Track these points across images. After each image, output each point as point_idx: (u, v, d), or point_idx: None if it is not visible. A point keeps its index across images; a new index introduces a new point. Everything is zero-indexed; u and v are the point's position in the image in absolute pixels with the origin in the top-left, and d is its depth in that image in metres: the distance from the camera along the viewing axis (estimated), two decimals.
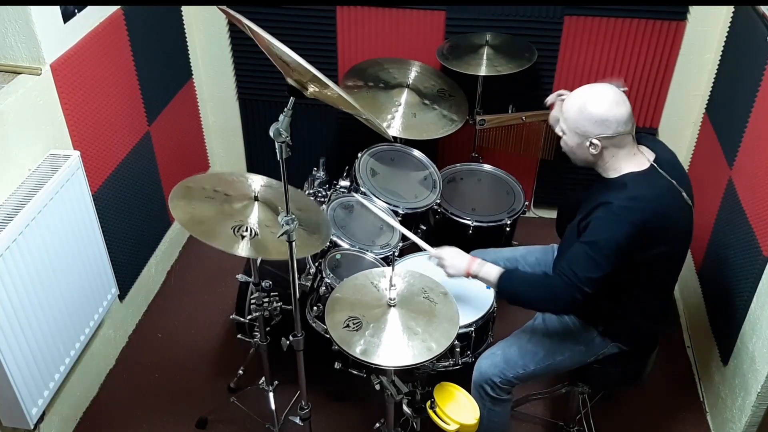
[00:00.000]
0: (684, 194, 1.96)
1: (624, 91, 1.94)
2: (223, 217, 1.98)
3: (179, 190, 2.02)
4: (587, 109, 1.89)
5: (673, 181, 1.94)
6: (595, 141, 1.90)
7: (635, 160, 1.94)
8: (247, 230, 1.96)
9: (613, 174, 1.96)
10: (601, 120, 1.88)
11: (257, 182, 2.11)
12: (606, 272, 1.86)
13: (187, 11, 3.16)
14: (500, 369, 2.12)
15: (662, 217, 1.88)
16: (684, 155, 3.22)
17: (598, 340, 2.12)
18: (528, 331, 2.20)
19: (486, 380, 2.13)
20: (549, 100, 2.28)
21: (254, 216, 2.00)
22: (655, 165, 1.94)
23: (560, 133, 2.02)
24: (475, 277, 2.06)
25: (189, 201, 2.00)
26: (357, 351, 1.79)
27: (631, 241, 1.84)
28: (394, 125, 2.80)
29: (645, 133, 3.26)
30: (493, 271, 2.02)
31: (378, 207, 2.44)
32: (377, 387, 1.98)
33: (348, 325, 1.86)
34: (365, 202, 2.47)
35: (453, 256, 2.11)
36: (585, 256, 1.86)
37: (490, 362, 2.14)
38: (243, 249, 1.92)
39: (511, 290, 2.00)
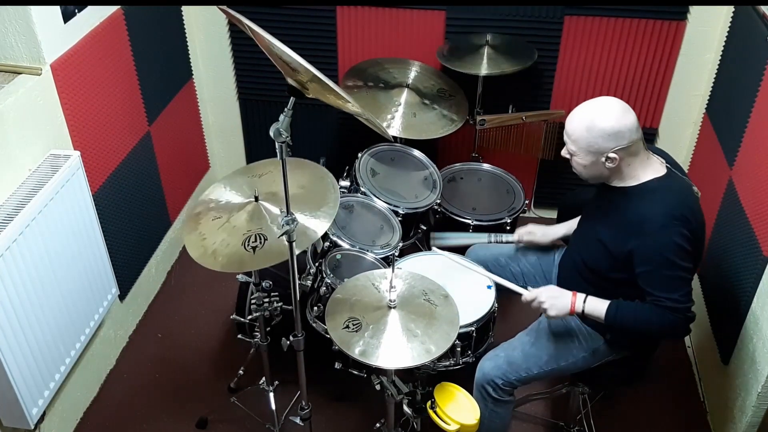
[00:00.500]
0: (695, 188, 1.97)
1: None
2: (234, 236, 1.95)
3: (189, 223, 2.02)
4: (597, 126, 1.85)
5: (685, 178, 1.95)
6: (611, 155, 1.86)
7: (651, 166, 1.93)
8: (255, 239, 1.93)
9: (632, 182, 1.93)
10: (614, 133, 1.85)
11: (249, 178, 2.11)
12: (691, 279, 1.88)
13: (187, 11, 3.16)
14: (503, 371, 2.12)
15: (692, 214, 1.88)
16: (684, 155, 3.22)
17: (603, 348, 2.11)
18: (532, 334, 2.19)
19: (488, 381, 2.12)
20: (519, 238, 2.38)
21: (260, 219, 1.99)
22: (670, 167, 1.94)
23: (567, 155, 1.98)
24: (581, 315, 2.01)
25: (199, 230, 1.99)
26: (356, 352, 1.79)
27: (689, 240, 1.84)
28: (394, 125, 2.80)
29: (644, 133, 3.28)
30: (601, 307, 1.96)
31: (468, 264, 2.32)
32: (377, 387, 1.98)
33: (347, 326, 1.86)
34: (466, 263, 2.33)
35: (552, 296, 2.02)
36: (669, 279, 1.86)
37: (493, 364, 2.14)
38: (258, 261, 1.89)
39: (619, 325, 1.97)
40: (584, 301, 1.99)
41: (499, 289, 2.28)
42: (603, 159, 1.88)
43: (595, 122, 1.86)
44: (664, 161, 1.97)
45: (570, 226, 2.33)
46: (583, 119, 1.88)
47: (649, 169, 1.92)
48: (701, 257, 1.99)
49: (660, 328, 1.91)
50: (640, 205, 1.89)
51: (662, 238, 1.84)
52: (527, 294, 2.07)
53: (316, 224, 1.94)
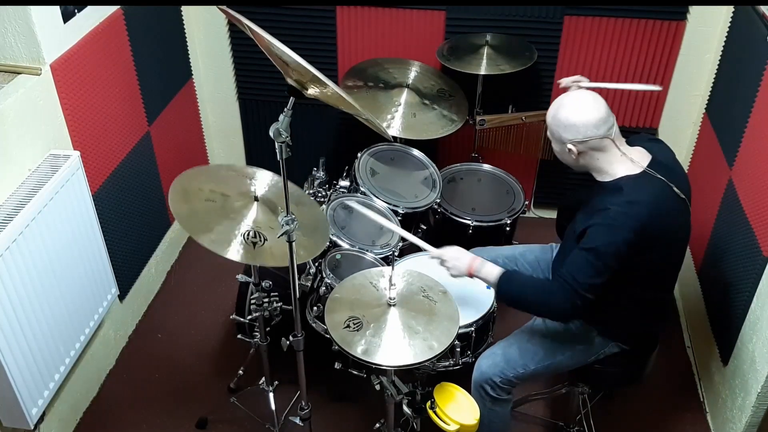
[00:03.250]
0: (675, 189, 1.95)
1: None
2: (230, 222, 1.96)
3: (177, 192, 2.01)
4: (558, 116, 1.95)
5: (664, 179, 1.94)
6: (570, 146, 1.93)
7: (627, 163, 1.94)
8: (256, 236, 1.95)
9: (607, 178, 1.96)
10: (569, 125, 1.92)
11: (257, 180, 2.11)
12: (606, 278, 1.88)
13: (187, 11, 3.16)
14: (500, 369, 2.12)
15: (659, 218, 1.88)
16: (684, 155, 3.22)
17: (598, 339, 2.12)
18: (528, 330, 2.20)
19: (486, 380, 2.13)
20: (564, 83, 2.38)
21: (259, 217, 2.00)
22: (647, 169, 1.94)
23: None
24: (476, 276, 2.06)
25: (189, 203, 1.99)
26: (358, 351, 1.79)
27: (631, 247, 1.85)
28: (393, 125, 2.80)
29: (645, 133, 3.28)
30: (494, 272, 2.02)
31: (376, 209, 2.37)
32: (377, 387, 1.98)
33: (348, 326, 1.86)
34: (359, 206, 2.34)
35: (455, 256, 2.10)
36: (585, 262, 1.88)
37: (490, 362, 2.14)
38: (255, 257, 1.91)
39: (508, 293, 2.01)
40: (481, 265, 2.05)
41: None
42: (566, 149, 1.95)
43: (558, 111, 1.95)
44: (647, 160, 1.96)
45: None
46: (553, 107, 1.98)
47: (624, 167, 1.94)
48: (656, 264, 1.98)
49: (545, 299, 1.95)
50: (605, 199, 1.91)
51: (605, 232, 1.86)
52: (433, 251, 2.14)
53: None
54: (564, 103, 1.96)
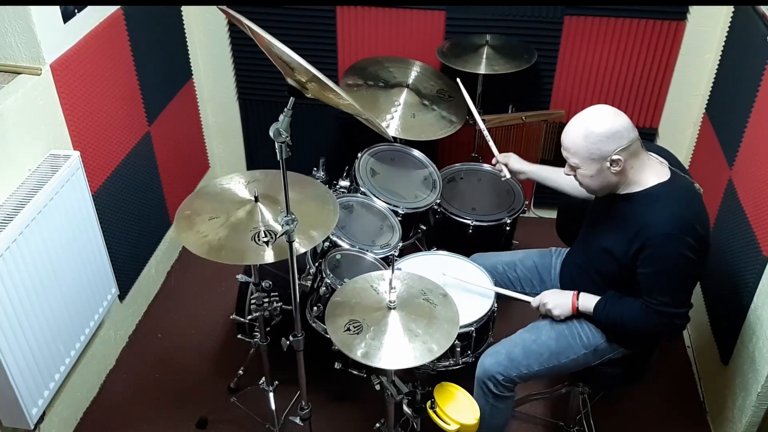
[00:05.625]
0: (696, 185, 1.96)
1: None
2: (237, 231, 1.96)
3: (182, 221, 2.01)
4: (593, 132, 1.85)
5: (687, 176, 1.95)
6: (615, 157, 1.85)
7: (653, 168, 1.92)
8: (265, 234, 1.94)
9: (636, 188, 1.93)
10: (612, 134, 1.84)
11: (251, 182, 2.12)
12: (690, 287, 1.92)
13: (187, 11, 3.16)
14: (504, 367, 2.12)
15: (698, 225, 1.87)
16: (684, 155, 3.22)
17: (604, 345, 2.12)
18: (534, 331, 2.19)
19: (489, 377, 2.13)
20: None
21: (263, 217, 2.00)
22: (674, 169, 1.94)
23: (570, 172, 1.97)
24: (581, 311, 2.11)
25: (195, 229, 1.99)
26: (358, 354, 1.79)
27: (695, 250, 1.85)
28: (392, 125, 2.80)
29: (644, 133, 3.28)
30: (592, 303, 2.06)
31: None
32: (377, 387, 1.98)
33: (348, 329, 1.86)
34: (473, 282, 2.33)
35: (555, 298, 2.14)
36: (665, 284, 1.89)
37: (493, 360, 2.14)
38: (271, 254, 1.91)
39: (607, 320, 2.05)
40: (581, 299, 2.09)
41: (505, 297, 2.32)
42: (607, 164, 1.87)
43: (591, 128, 1.86)
44: (666, 162, 1.96)
45: (538, 172, 2.46)
46: (579, 129, 1.88)
47: (652, 173, 1.91)
48: (707, 261, 1.99)
49: (646, 328, 1.99)
50: (646, 212, 1.88)
51: (668, 249, 1.85)
52: (534, 300, 2.20)
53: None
54: (587, 119, 1.87)
